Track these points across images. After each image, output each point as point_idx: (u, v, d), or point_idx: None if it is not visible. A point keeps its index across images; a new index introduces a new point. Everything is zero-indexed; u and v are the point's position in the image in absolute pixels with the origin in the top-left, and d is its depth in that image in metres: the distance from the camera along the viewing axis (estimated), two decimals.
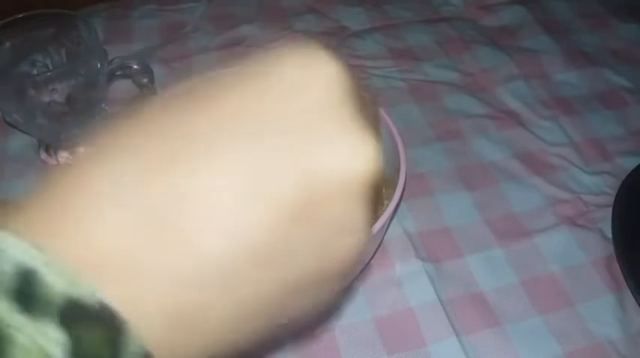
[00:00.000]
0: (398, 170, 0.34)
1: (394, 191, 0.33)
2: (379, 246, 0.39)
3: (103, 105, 0.45)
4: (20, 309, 0.11)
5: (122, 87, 0.48)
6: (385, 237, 0.41)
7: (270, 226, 0.13)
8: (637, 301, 0.38)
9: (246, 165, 0.13)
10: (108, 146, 0.14)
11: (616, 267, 0.40)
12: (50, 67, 0.43)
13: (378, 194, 0.39)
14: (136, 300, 0.12)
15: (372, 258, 0.38)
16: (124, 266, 0.12)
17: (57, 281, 0.11)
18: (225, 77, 0.15)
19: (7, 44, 0.42)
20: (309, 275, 0.15)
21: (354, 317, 0.37)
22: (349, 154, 0.14)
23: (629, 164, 0.46)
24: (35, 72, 0.43)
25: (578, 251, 0.41)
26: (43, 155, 0.46)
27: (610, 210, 0.43)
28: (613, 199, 0.43)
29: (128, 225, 0.12)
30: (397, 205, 0.33)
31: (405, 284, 0.39)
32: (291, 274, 0.14)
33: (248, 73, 0.15)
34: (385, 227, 0.35)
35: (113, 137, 0.14)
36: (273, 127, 0.14)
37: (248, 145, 0.13)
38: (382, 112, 0.37)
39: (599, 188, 0.45)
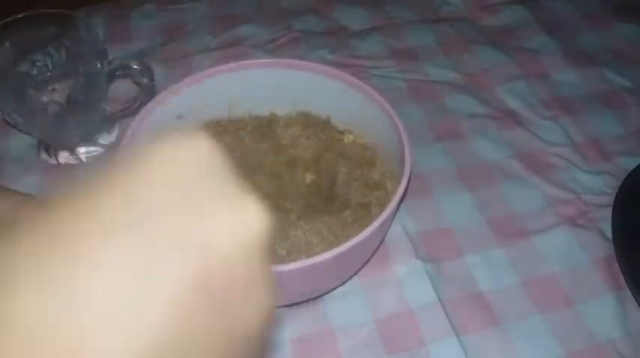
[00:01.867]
0: (402, 166, 0.34)
1: (398, 186, 0.33)
2: (380, 243, 0.39)
3: (103, 105, 0.45)
4: None
5: (122, 87, 0.48)
6: (385, 237, 0.41)
7: (169, 312, 0.13)
8: (637, 301, 0.38)
9: (132, 256, 0.13)
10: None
11: (616, 266, 0.40)
12: (50, 67, 0.43)
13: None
14: None
15: (372, 256, 0.38)
16: None
17: None
18: (96, 175, 0.14)
19: (7, 44, 0.42)
20: (219, 349, 0.14)
21: (354, 317, 0.37)
22: (238, 217, 0.14)
23: (629, 164, 0.46)
24: (35, 72, 0.43)
25: (578, 251, 0.41)
26: (43, 155, 0.46)
27: (610, 210, 0.43)
28: (613, 199, 0.43)
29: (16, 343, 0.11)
30: (401, 200, 0.33)
31: (405, 284, 0.39)
32: (202, 350, 0.14)
33: (115, 168, 0.14)
34: (389, 222, 0.35)
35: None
36: (151, 211, 0.13)
37: (128, 236, 0.13)
38: (389, 108, 0.37)
39: (599, 188, 0.45)
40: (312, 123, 0.43)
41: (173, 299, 0.13)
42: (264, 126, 0.43)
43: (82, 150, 0.46)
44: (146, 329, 0.12)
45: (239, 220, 0.14)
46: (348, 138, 0.43)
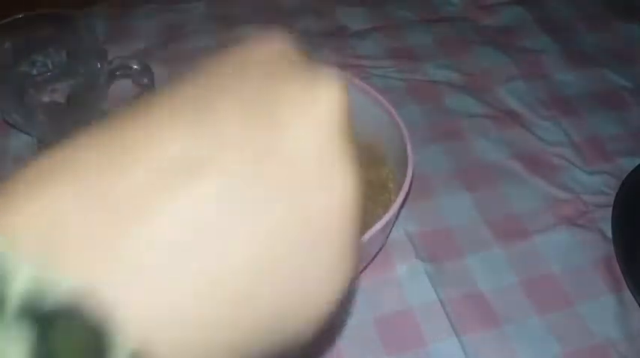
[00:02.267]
0: (404, 166, 0.34)
1: (400, 189, 0.33)
2: (383, 245, 0.39)
3: (103, 105, 0.45)
4: None
5: (122, 87, 0.48)
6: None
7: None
8: (637, 301, 0.38)
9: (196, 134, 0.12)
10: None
11: (616, 266, 0.40)
12: (50, 67, 0.43)
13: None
14: (128, 295, 0.11)
15: (374, 258, 0.38)
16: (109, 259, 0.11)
17: (20, 270, 0.10)
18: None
19: (7, 44, 0.42)
20: (299, 232, 0.13)
21: (354, 317, 0.37)
22: (311, 96, 0.14)
23: (629, 164, 0.46)
24: (35, 72, 0.43)
25: (578, 251, 0.41)
26: None
27: (610, 210, 0.43)
28: (613, 199, 0.43)
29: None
30: (403, 202, 0.33)
31: (405, 284, 0.39)
32: (284, 240, 0.13)
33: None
34: (390, 225, 0.35)
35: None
36: (235, 92, 0.14)
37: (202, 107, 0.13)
38: (391, 110, 0.37)
39: (599, 188, 0.45)
40: None
41: (240, 173, 0.12)
42: None
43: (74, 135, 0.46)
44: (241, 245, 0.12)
45: (313, 99, 0.14)
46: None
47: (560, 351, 0.36)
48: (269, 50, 0.15)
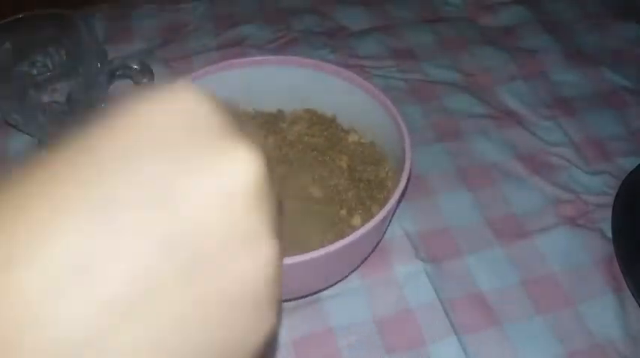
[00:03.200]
0: (402, 164, 0.34)
1: (398, 183, 0.33)
2: (379, 241, 0.39)
3: (103, 105, 0.45)
4: None
5: (122, 87, 0.48)
6: (385, 237, 0.41)
7: (133, 265, 0.12)
8: (637, 301, 0.38)
9: (97, 203, 0.12)
10: None
11: (616, 266, 0.40)
12: (50, 67, 0.43)
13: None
14: None
15: (371, 253, 0.38)
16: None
17: None
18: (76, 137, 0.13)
19: (7, 44, 0.42)
20: (215, 309, 0.13)
21: (354, 317, 0.37)
22: (222, 165, 0.13)
23: (629, 164, 0.46)
24: (35, 72, 0.43)
25: (578, 251, 0.41)
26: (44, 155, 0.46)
27: (610, 210, 0.43)
28: (613, 199, 0.43)
29: None
30: (402, 195, 0.33)
31: (405, 284, 0.39)
32: (184, 311, 0.13)
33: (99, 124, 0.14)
34: (388, 220, 0.35)
35: None
36: (131, 155, 0.13)
37: (101, 180, 0.12)
38: (392, 108, 0.37)
39: (599, 188, 0.45)
40: (317, 121, 0.43)
41: (142, 252, 0.12)
42: (271, 122, 0.43)
43: None
44: (108, 289, 0.11)
45: (224, 170, 0.13)
46: (352, 138, 0.43)
47: (560, 351, 0.36)
48: (180, 108, 0.14)
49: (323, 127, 0.43)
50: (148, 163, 0.12)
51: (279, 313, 0.15)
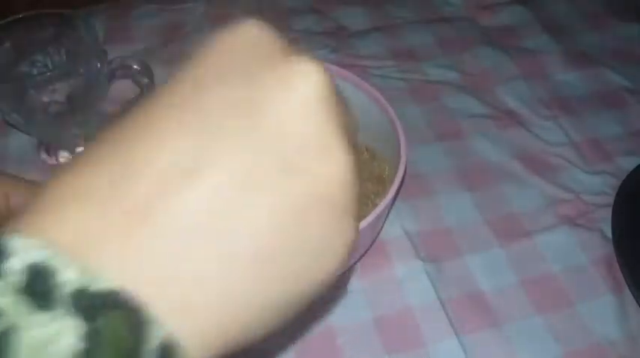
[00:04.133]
0: (397, 163, 0.34)
1: (395, 176, 0.33)
2: (376, 237, 0.39)
3: (103, 105, 0.45)
4: (31, 302, 0.11)
5: (122, 87, 0.48)
6: (385, 237, 0.41)
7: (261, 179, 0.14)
8: (637, 301, 0.38)
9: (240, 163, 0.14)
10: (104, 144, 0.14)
11: (616, 267, 0.40)
12: (50, 67, 0.43)
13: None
14: (157, 287, 0.12)
15: (367, 250, 0.38)
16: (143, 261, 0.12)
17: (67, 271, 0.12)
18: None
19: (7, 44, 0.42)
20: (309, 206, 0.15)
21: (354, 317, 0.37)
22: (289, 85, 0.15)
23: (629, 164, 0.46)
24: (35, 72, 0.43)
25: (578, 251, 0.41)
26: (43, 155, 0.46)
27: (610, 210, 0.43)
28: (613, 199, 0.43)
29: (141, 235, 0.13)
30: (399, 188, 0.33)
31: (405, 284, 0.39)
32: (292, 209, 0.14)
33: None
34: (384, 217, 0.35)
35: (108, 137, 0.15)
36: (218, 80, 0.15)
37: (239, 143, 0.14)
38: (386, 105, 0.37)
39: (599, 188, 0.45)
40: None
41: (241, 161, 0.14)
42: None
43: (82, 150, 0.46)
44: (263, 208, 0.14)
45: (290, 83, 0.15)
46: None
47: (560, 351, 0.36)
48: (245, 39, 0.16)
49: None
50: (234, 85, 0.15)
51: (357, 229, 0.16)
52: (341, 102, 0.16)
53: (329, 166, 0.15)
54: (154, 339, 0.12)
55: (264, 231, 0.14)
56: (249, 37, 0.16)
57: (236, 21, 0.17)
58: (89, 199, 0.13)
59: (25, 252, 0.12)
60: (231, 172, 0.13)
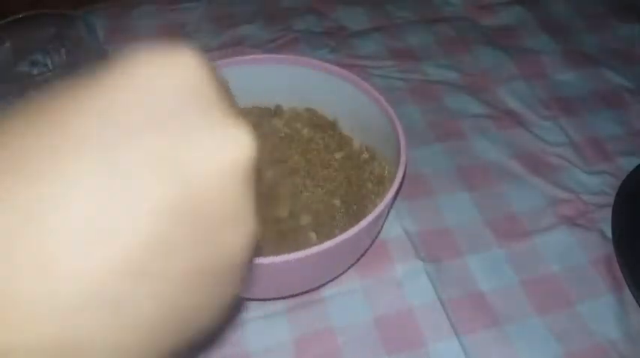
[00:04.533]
0: (397, 161, 0.34)
1: (393, 181, 0.33)
2: (375, 237, 0.39)
3: None
4: None
5: None
6: (385, 237, 0.41)
7: (143, 229, 0.12)
8: (637, 301, 0.38)
9: (105, 173, 0.12)
10: None
11: (616, 266, 0.40)
12: (50, 67, 0.43)
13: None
14: (11, 335, 0.11)
15: (367, 249, 0.38)
16: None
17: None
18: (72, 86, 0.14)
19: (7, 44, 0.42)
20: (198, 277, 0.14)
21: (354, 317, 0.37)
22: (220, 142, 0.14)
23: (629, 164, 0.46)
24: (35, 72, 0.43)
25: (578, 251, 0.41)
26: None
27: (610, 210, 0.43)
28: (613, 199, 0.43)
29: None
30: (397, 191, 0.33)
31: (405, 284, 0.39)
32: (178, 278, 0.13)
33: (99, 77, 0.14)
34: (384, 216, 0.35)
35: None
36: (131, 125, 0.13)
37: (104, 148, 0.12)
38: (386, 105, 0.37)
39: (599, 188, 0.45)
40: (317, 122, 0.43)
41: (149, 220, 0.12)
42: (266, 116, 0.43)
43: None
44: (120, 250, 0.12)
45: (222, 146, 0.14)
46: (350, 141, 0.43)
47: (560, 351, 0.36)
48: (182, 75, 0.14)
49: (321, 129, 0.43)
50: (151, 136, 0.13)
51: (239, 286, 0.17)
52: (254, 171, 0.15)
53: (239, 236, 0.15)
54: None
55: (162, 299, 0.13)
56: (186, 76, 0.14)
57: (172, 46, 0.15)
58: None
59: None
60: (136, 240, 0.12)
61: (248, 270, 0.17)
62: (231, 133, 0.14)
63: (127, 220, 0.12)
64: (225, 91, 0.15)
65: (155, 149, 0.13)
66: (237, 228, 0.15)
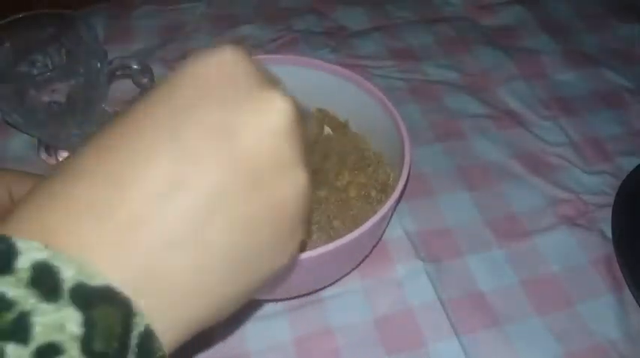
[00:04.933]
0: (400, 163, 0.34)
1: (397, 182, 0.33)
2: (380, 238, 0.39)
3: (103, 105, 0.45)
4: (38, 294, 0.13)
5: (122, 87, 0.48)
6: (386, 237, 0.41)
7: (206, 184, 0.16)
8: (637, 301, 0.38)
9: (175, 145, 0.16)
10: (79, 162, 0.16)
11: (616, 267, 0.40)
12: (50, 67, 0.43)
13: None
14: (142, 286, 0.15)
15: (371, 251, 0.38)
16: (116, 248, 0.15)
17: (67, 270, 0.14)
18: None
19: (7, 44, 0.42)
20: (257, 221, 0.17)
21: (354, 317, 0.37)
22: (261, 107, 0.17)
23: (629, 164, 0.46)
24: (35, 72, 0.43)
25: (578, 251, 0.41)
26: (43, 155, 0.46)
27: (610, 210, 0.43)
28: (613, 199, 0.43)
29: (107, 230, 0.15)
30: (399, 198, 0.33)
31: (405, 284, 0.39)
32: (240, 221, 0.16)
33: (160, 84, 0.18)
34: (387, 219, 0.35)
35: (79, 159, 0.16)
36: (191, 107, 0.16)
37: (173, 129, 0.16)
38: (390, 106, 0.37)
39: (599, 188, 0.45)
40: (328, 123, 0.43)
41: (211, 177, 0.16)
42: None
43: (68, 156, 0.46)
44: (191, 201, 0.15)
45: (262, 110, 0.17)
46: (356, 141, 0.43)
47: (560, 351, 0.36)
48: (221, 66, 0.17)
49: (333, 129, 0.43)
50: (210, 111, 0.16)
51: (306, 231, 0.19)
52: (303, 122, 0.19)
53: (289, 184, 0.17)
54: (138, 327, 0.14)
55: (231, 238, 0.16)
56: (225, 64, 0.18)
57: (214, 47, 0.18)
58: (88, 210, 0.15)
59: (29, 251, 0.13)
60: (205, 191, 0.16)
61: (305, 224, 0.19)
62: (269, 99, 0.17)
63: (195, 178, 0.15)
64: (264, 71, 0.19)
65: (212, 122, 0.16)
66: (285, 177, 0.17)
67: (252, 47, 0.55)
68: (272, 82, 0.18)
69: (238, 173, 0.16)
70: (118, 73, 0.44)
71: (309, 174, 0.18)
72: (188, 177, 0.15)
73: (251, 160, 0.16)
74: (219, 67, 0.17)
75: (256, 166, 0.16)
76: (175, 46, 0.55)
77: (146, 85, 0.44)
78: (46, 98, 0.39)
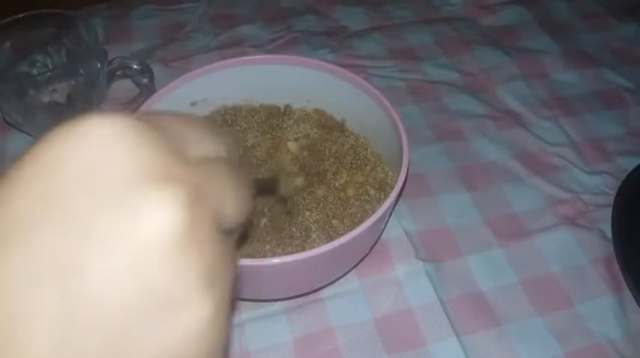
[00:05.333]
0: (399, 163, 0.34)
1: (396, 182, 0.33)
2: (378, 238, 0.39)
3: (103, 105, 0.45)
4: None
5: (122, 87, 0.48)
6: (385, 237, 0.41)
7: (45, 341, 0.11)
8: (637, 301, 0.38)
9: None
10: None
11: (616, 266, 0.40)
12: (50, 67, 0.43)
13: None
14: None
15: (370, 250, 0.38)
16: None
17: None
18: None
19: (7, 44, 0.42)
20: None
21: (354, 317, 0.37)
22: (125, 224, 0.12)
23: (629, 164, 0.46)
24: (35, 72, 0.43)
25: (578, 251, 0.41)
26: None
27: (610, 210, 0.43)
28: (613, 199, 0.43)
29: None
30: (398, 197, 0.33)
31: (405, 284, 0.39)
32: None
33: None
34: (386, 218, 0.35)
35: None
36: (30, 222, 0.12)
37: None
38: (388, 105, 0.37)
39: (599, 188, 0.45)
40: (325, 124, 0.43)
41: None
42: (275, 117, 0.43)
43: None
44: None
45: (124, 233, 0.12)
46: (352, 140, 0.43)
47: (560, 351, 0.36)
48: (82, 151, 0.12)
49: (326, 130, 0.43)
50: (48, 235, 0.12)
51: None
52: (208, 236, 0.13)
53: (173, 327, 0.12)
54: None
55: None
56: (89, 148, 0.12)
57: (89, 116, 0.13)
58: None
59: None
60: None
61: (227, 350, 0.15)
62: (140, 207, 0.12)
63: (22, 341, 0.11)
64: (172, 137, 0.13)
65: (45, 255, 0.11)
66: (171, 320, 0.12)
67: (252, 47, 0.55)
68: (168, 167, 0.13)
69: (86, 333, 0.11)
70: (118, 73, 0.44)
71: (213, 301, 0.13)
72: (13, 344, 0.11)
73: (106, 309, 0.11)
74: (78, 153, 0.12)
75: (117, 316, 0.11)
76: (175, 46, 0.55)
77: (146, 84, 0.44)
78: (46, 98, 0.40)
